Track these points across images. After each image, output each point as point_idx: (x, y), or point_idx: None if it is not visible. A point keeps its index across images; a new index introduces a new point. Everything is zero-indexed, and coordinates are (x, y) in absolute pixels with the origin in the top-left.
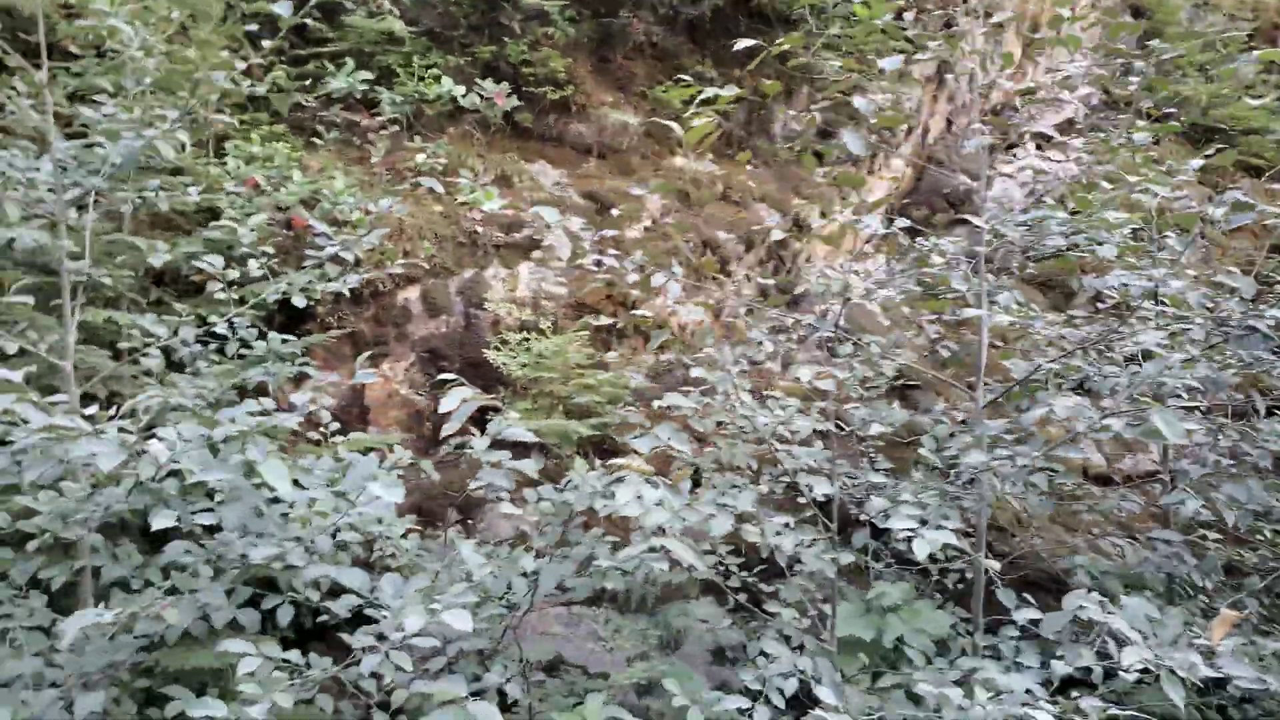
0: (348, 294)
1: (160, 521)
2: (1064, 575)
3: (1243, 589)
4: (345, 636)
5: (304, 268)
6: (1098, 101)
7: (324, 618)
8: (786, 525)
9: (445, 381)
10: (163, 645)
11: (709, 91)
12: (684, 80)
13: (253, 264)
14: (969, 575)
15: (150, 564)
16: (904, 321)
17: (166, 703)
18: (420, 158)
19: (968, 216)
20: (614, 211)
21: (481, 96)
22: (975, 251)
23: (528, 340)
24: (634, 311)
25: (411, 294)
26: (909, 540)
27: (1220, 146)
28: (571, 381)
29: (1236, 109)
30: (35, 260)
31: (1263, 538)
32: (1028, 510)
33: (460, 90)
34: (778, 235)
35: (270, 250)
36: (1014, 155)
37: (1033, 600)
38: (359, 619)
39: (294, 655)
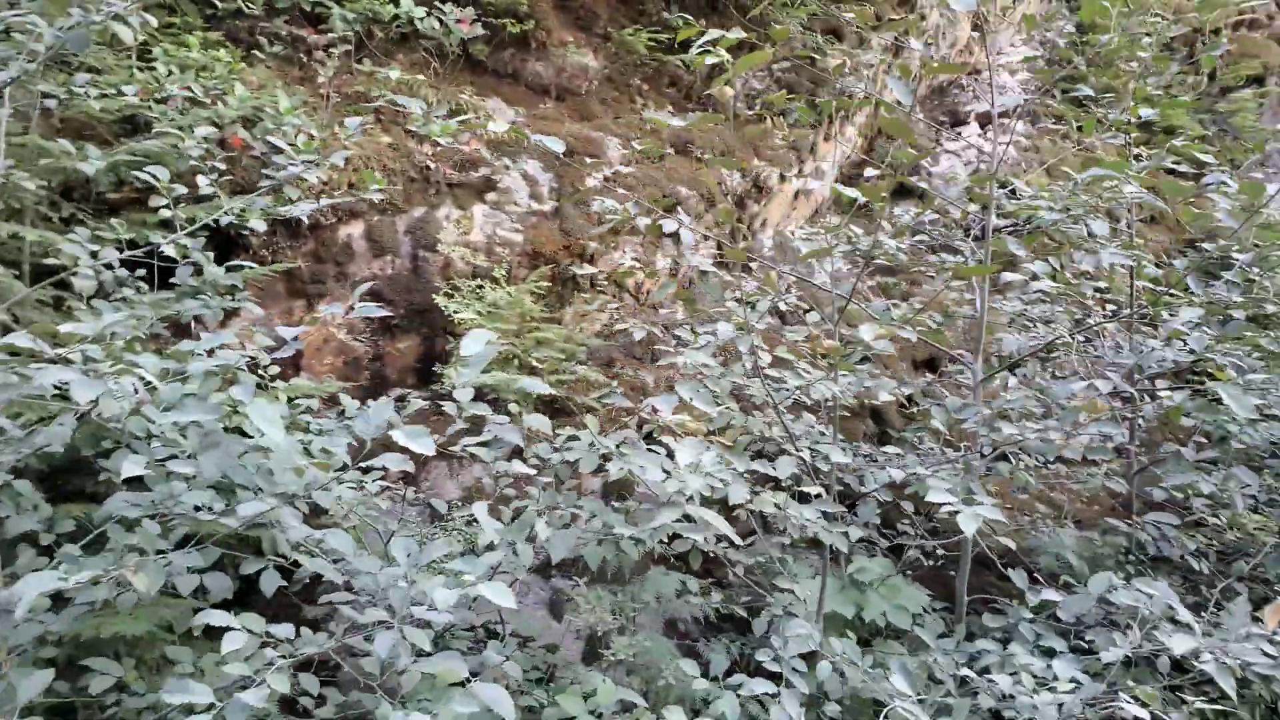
0: (290, 224)
1: (129, 469)
2: (1021, 554)
3: (1230, 574)
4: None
5: (260, 189)
6: (1034, 87)
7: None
8: (805, 495)
9: (389, 326)
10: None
11: (713, 33)
12: (686, 19)
13: (202, 180)
14: (941, 553)
15: (59, 516)
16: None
17: (82, 674)
18: (394, 74)
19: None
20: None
21: (441, 21)
22: (981, 219)
23: (481, 288)
24: (587, 266)
25: (355, 230)
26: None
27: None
28: (528, 334)
29: (1164, 106)
30: None
31: (1219, 520)
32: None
33: (420, 12)
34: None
35: (221, 166)
36: (958, 133)
37: (992, 580)
38: (315, 583)
39: (285, 630)
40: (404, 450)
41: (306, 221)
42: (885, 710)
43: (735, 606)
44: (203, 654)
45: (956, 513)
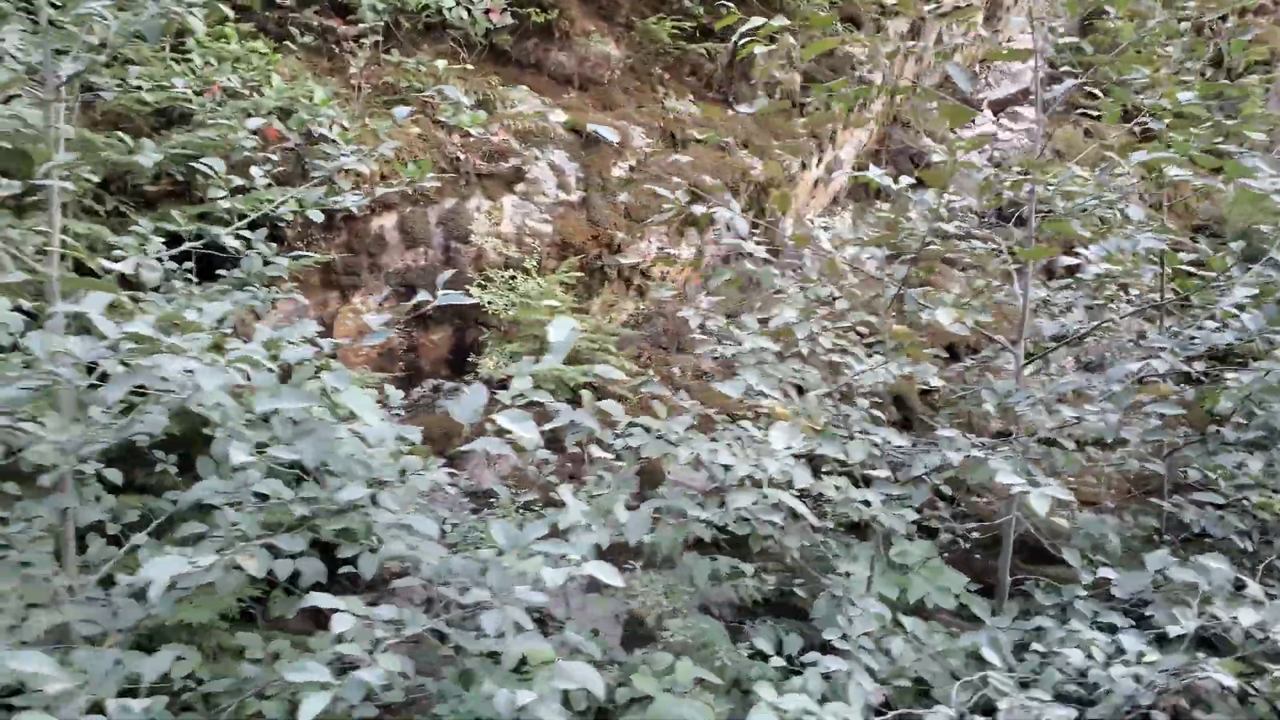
0: (324, 216)
1: (237, 455)
2: (1051, 537)
3: (1272, 552)
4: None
5: (312, 180)
6: (1043, 74)
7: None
8: (854, 480)
9: (422, 318)
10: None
11: (755, 21)
12: (727, 6)
13: (256, 172)
14: (975, 536)
15: (124, 507)
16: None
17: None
18: (440, 64)
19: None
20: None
21: (469, 11)
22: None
23: (513, 279)
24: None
25: (387, 221)
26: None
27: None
28: None
29: (1201, 89)
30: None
31: (1248, 502)
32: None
33: (449, 1)
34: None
35: (274, 158)
36: (973, 121)
37: (1018, 564)
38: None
39: (387, 611)
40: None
41: (356, 212)
42: (958, 683)
43: (795, 589)
44: (270, 641)
45: (1025, 494)
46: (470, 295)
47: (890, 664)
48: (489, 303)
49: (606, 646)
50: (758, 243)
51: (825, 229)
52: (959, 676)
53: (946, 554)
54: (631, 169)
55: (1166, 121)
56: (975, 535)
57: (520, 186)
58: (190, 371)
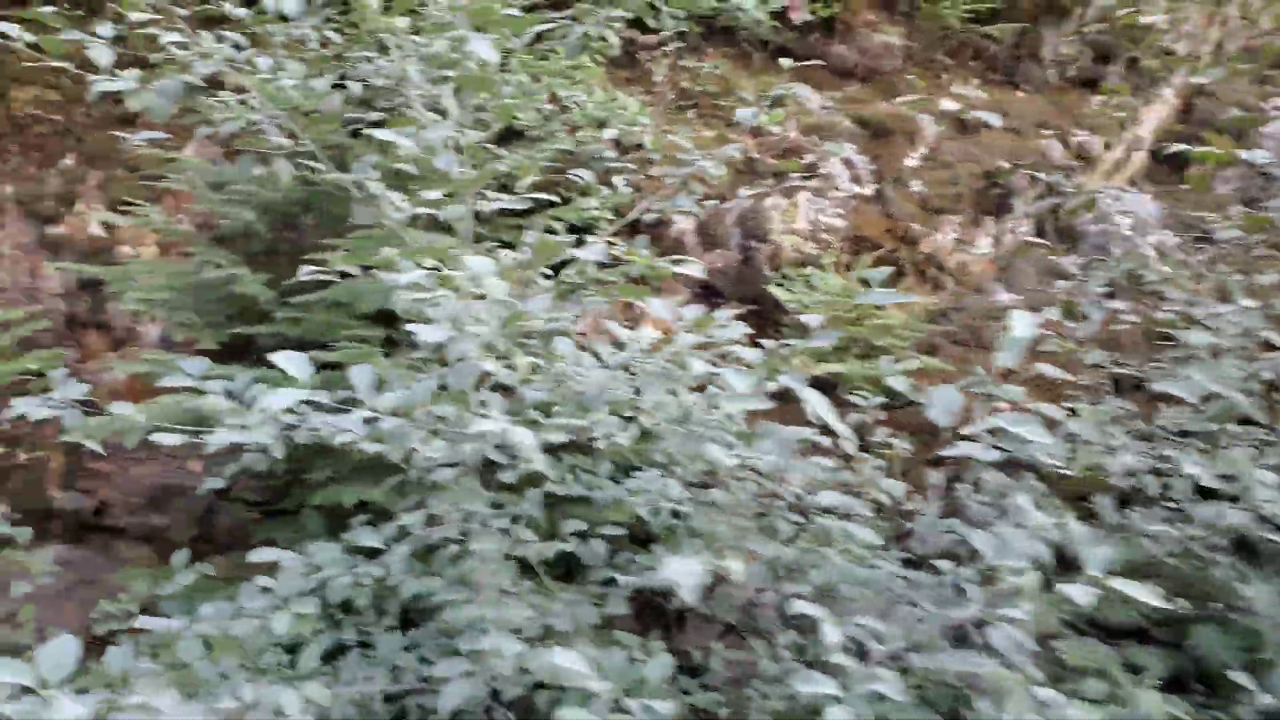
0: (633, 221)
1: (720, 458)
2: None
3: None
4: None
5: (668, 186)
6: None
7: None
8: None
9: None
10: None
11: None
12: None
13: (618, 180)
14: None
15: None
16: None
17: None
18: (786, 63)
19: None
20: None
21: (762, 12)
22: None
23: (808, 276)
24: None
25: (687, 224)
26: None
27: None
28: (868, 321)
29: None
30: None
31: None
32: None
33: (750, 2)
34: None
35: (632, 166)
36: None
37: None
38: None
39: None
40: None
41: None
42: None
43: (1212, 614)
44: None
45: None
46: (767, 294)
47: None
48: (788, 301)
49: None
50: (1058, 229)
51: (1124, 213)
52: None
53: None
54: (924, 158)
55: None
56: None
57: (813, 182)
58: (716, 373)
